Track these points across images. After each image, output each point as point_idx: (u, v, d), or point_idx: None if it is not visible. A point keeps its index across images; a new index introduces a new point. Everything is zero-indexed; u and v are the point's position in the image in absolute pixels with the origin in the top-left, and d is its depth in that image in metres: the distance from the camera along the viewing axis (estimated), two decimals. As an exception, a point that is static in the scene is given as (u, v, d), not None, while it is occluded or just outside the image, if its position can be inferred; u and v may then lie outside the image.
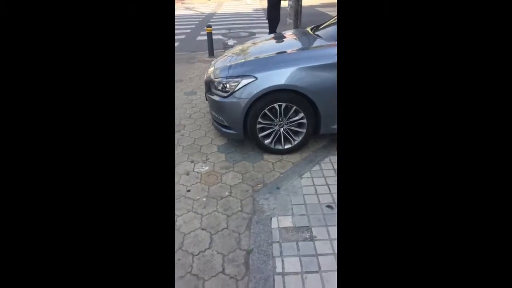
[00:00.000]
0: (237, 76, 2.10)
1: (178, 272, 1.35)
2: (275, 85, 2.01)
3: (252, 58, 2.29)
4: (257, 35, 6.50)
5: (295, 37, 2.82)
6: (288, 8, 6.25)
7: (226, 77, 2.14)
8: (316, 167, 2.07)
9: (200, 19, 9.63)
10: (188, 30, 7.64)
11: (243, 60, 2.27)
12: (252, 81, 2.03)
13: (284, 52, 2.24)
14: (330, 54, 2.05)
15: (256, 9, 11.72)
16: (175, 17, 9.79)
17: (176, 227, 1.61)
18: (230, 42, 6.15)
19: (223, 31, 7.27)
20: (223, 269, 1.36)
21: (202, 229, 1.59)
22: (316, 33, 2.62)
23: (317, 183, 1.90)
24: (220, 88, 2.16)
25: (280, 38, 2.86)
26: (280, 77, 2.02)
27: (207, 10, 12.03)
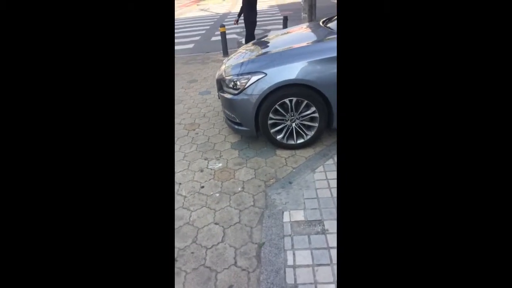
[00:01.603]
0: (247, 73, 2.12)
1: (191, 265, 1.40)
2: (285, 80, 2.01)
3: (263, 53, 2.29)
4: (270, 32, 6.47)
5: (306, 31, 2.78)
6: (302, 2, 6.17)
7: (237, 75, 2.16)
8: (330, 161, 2.04)
9: (215, 19, 9.76)
10: (203, 31, 7.77)
11: (252, 57, 2.28)
12: (262, 77, 2.05)
13: (293, 46, 2.23)
14: (340, 45, 2.01)
15: (271, 6, 11.66)
16: (190, 19, 9.99)
17: (190, 222, 1.66)
18: (245, 40, 6.17)
19: (238, 30, 7.32)
20: (235, 262, 1.39)
21: (215, 224, 1.63)
22: (327, 25, 2.57)
23: (330, 177, 1.88)
24: (231, 85, 2.19)
25: (292, 32, 2.84)
26: (289, 72, 2.01)
27: (221, 10, 12.15)
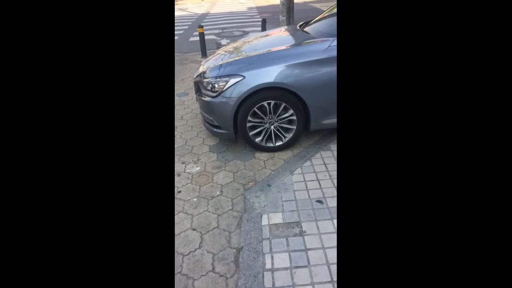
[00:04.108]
0: (226, 76, 2.10)
1: (168, 272, 1.36)
2: (263, 83, 2.01)
3: (242, 56, 2.29)
4: (250, 34, 6.49)
5: (285, 34, 2.81)
6: (280, 6, 6.23)
7: (215, 77, 2.14)
8: (307, 163, 2.07)
9: (193, 19, 9.62)
10: (181, 32, 7.63)
11: (231, 59, 2.27)
12: (240, 80, 2.04)
13: (272, 49, 2.24)
14: (317, 50, 2.05)
15: (250, 7, 11.70)
16: (168, 19, 9.77)
17: (167, 228, 1.62)
18: (224, 41, 6.14)
19: (216, 31, 7.27)
20: (213, 268, 1.37)
21: (193, 229, 1.60)
22: (304, 29, 2.62)
23: (308, 178, 1.91)
24: (209, 88, 2.16)
25: (270, 35, 2.86)
26: (267, 75, 2.02)
27: (200, 10, 12.00)
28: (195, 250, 1.47)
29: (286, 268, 1.32)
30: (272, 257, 1.38)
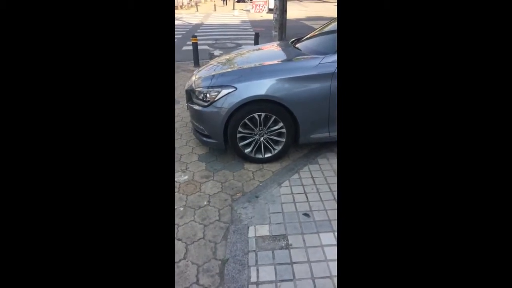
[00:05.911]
0: (218, 86, 2.12)
1: (150, 284, 1.32)
2: (255, 95, 2.05)
3: (235, 68, 2.33)
4: (243, 46, 6.60)
5: (277, 49, 2.89)
6: (273, 21, 6.41)
7: (207, 87, 2.16)
8: (295, 176, 2.09)
9: (187, 29, 9.71)
10: (175, 40, 7.68)
11: (224, 71, 2.30)
12: (232, 91, 2.07)
13: (264, 63, 2.30)
14: (308, 66, 2.11)
15: (243, 21, 11.94)
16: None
17: (151, 238, 1.58)
18: (216, 52, 6.21)
19: (210, 42, 7.36)
20: (197, 280, 1.34)
21: (178, 240, 1.57)
22: (296, 46, 2.70)
23: (295, 191, 1.93)
24: (200, 97, 2.17)
25: (263, 49, 2.93)
26: (259, 87, 2.06)
27: (194, 20, 12.15)
28: (180, 261, 1.44)
29: (271, 282, 1.31)
30: (257, 270, 1.37)
